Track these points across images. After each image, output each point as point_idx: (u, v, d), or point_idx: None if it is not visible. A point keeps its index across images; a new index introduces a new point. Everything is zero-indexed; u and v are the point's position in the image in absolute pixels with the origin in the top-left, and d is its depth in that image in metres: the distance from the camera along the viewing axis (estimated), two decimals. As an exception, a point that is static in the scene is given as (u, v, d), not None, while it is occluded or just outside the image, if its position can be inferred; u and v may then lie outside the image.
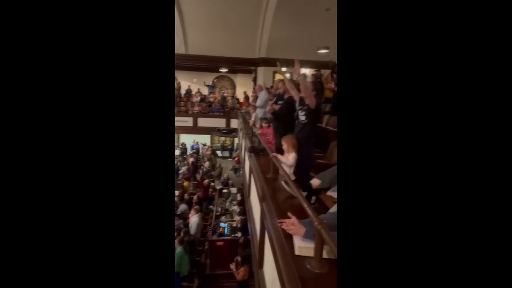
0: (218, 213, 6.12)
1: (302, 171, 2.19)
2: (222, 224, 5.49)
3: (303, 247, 1.22)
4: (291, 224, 1.32)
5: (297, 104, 2.35)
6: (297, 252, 1.22)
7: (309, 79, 6.75)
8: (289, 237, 1.33)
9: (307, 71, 8.96)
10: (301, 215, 1.32)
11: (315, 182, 1.83)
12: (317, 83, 2.70)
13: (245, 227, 4.74)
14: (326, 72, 7.28)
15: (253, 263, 2.44)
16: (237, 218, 5.64)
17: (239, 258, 4.04)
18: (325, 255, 1.10)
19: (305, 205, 1.22)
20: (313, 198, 2.21)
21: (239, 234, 5.00)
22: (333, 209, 1.64)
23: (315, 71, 7.08)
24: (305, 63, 9.36)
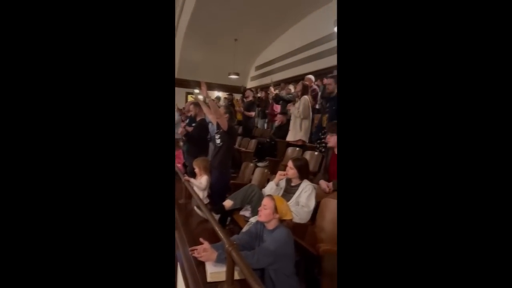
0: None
1: (218, 193, 2.20)
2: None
3: (214, 272, 1.19)
4: (203, 250, 1.28)
5: (213, 127, 2.38)
6: (209, 279, 1.19)
7: (222, 102, 7.00)
8: (201, 264, 1.28)
9: (220, 94, 9.29)
10: (215, 239, 1.30)
11: (227, 203, 1.86)
12: (229, 106, 2.82)
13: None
14: (237, 96, 7.74)
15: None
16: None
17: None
18: (237, 276, 1.11)
19: (216, 228, 1.21)
20: (228, 219, 2.23)
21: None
22: (245, 228, 1.69)
23: (228, 94, 7.41)
24: (217, 87, 9.70)
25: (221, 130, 2.18)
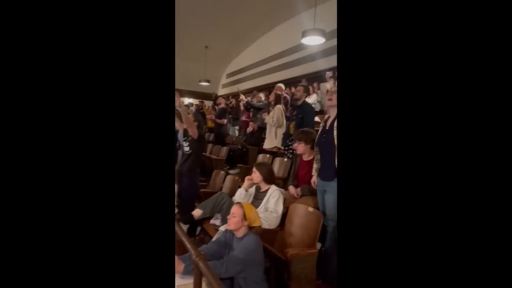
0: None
1: (186, 202, 2.14)
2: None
3: (181, 285, 1.16)
4: (170, 262, 1.23)
5: (180, 135, 2.33)
6: (176, 293, 1.15)
7: (193, 109, 6.89)
8: (168, 278, 1.23)
9: (191, 100, 9.14)
10: (183, 250, 1.26)
11: (196, 212, 1.82)
12: (199, 114, 2.79)
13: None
14: (208, 103, 7.68)
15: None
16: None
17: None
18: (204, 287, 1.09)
19: (183, 238, 1.18)
20: (198, 229, 2.18)
21: None
22: (215, 237, 1.67)
23: (198, 101, 7.32)
24: (188, 94, 9.55)
25: (190, 138, 2.14)
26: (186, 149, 2.20)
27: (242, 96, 4.54)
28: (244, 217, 1.30)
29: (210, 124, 5.03)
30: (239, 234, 1.32)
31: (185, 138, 2.27)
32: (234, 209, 1.32)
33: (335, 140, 1.61)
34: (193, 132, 2.11)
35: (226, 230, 1.38)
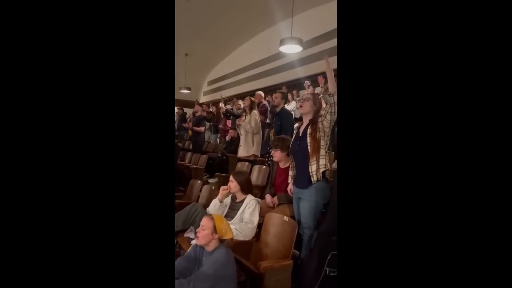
0: None
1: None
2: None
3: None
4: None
5: None
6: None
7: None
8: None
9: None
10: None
11: (167, 226, 1.73)
12: (178, 122, 2.69)
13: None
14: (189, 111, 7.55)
15: None
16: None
17: None
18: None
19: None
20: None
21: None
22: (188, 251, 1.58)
23: (178, 109, 7.18)
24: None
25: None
26: None
27: (221, 104, 4.49)
28: (215, 229, 1.24)
29: (189, 132, 4.92)
30: (209, 248, 1.25)
31: None
32: (204, 222, 1.25)
33: (309, 148, 1.59)
34: None
35: (196, 245, 1.31)
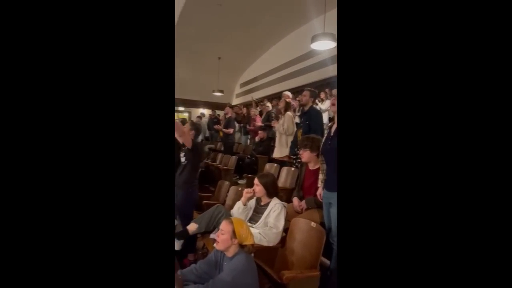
0: None
1: (184, 215, 2.04)
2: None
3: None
4: None
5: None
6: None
7: (206, 119, 6.92)
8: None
9: (204, 111, 9.28)
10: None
11: (191, 227, 1.71)
12: (195, 123, 2.69)
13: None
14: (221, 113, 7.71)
15: None
16: None
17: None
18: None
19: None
20: (202, 244, 2.06)
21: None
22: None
23: (211, 111, 7.38)
24: (202, 104, 9.70)
25: (185, 148, 2.06)
26: (182, 159, 2.12)
27: (253, 110, 4.50)
28: (234, 234, 1.17)
29: (221, 134, 5.01)
30: (230, 253, 1.19)
31: (181, 148, 2.19)
32: (223, 225, 1.20)
33: None
34: (187, 142, 2.02)
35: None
